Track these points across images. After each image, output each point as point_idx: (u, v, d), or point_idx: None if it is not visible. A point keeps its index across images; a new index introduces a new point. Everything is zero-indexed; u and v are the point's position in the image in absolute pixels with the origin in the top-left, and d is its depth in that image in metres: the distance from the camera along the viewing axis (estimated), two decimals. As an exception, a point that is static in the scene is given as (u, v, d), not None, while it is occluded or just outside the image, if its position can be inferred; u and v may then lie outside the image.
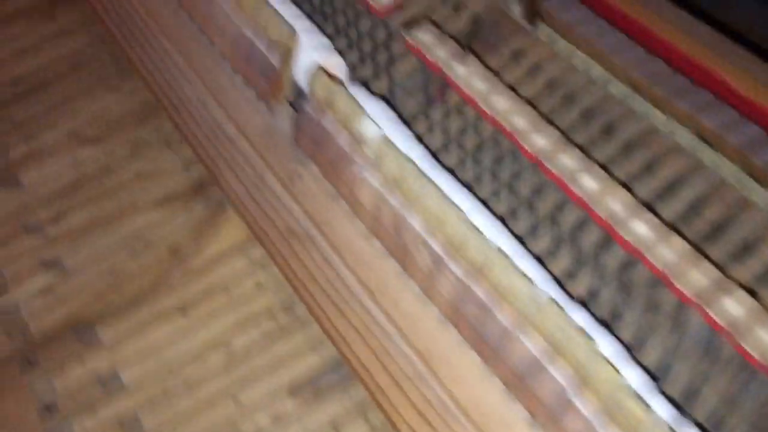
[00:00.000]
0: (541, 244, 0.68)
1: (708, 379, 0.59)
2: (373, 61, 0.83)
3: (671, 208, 0.67)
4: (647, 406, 0.54)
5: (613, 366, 0.53)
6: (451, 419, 0.68)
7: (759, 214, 0.64)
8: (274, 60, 0.81)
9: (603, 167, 0.66)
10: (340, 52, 0.79)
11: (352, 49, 0.85)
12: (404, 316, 0.70)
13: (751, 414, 0.57)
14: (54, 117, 1.13)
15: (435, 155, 0.72)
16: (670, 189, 0.68)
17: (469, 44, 0.80)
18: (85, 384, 0.87)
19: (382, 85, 0.82)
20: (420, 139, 0.72)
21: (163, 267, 0.96)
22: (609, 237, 0.63)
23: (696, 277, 0.56)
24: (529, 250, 0.64)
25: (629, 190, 0.64)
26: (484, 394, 0.64)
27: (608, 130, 0.74)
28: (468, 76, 0.72)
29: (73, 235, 1.00)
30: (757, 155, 0.66)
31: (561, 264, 0.66)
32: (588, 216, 0.65)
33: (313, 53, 0.77)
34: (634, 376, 0.55)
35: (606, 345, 0.56)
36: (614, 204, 0.62)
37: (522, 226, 0.69)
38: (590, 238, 0.67)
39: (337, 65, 0.78)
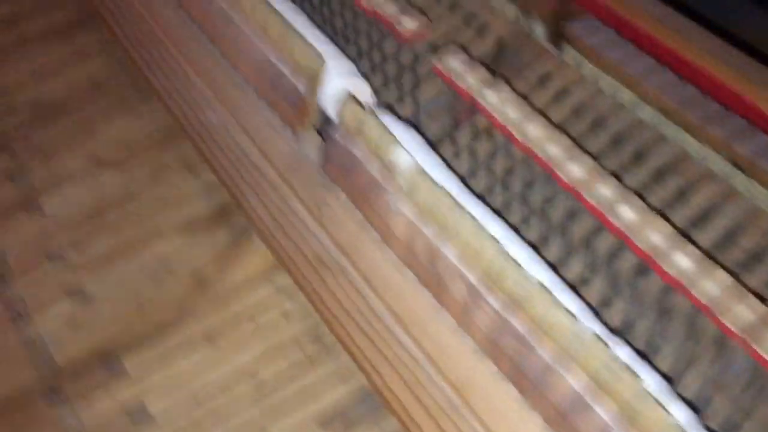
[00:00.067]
0: (574, 270, 0.67)
1: (750, 413, 0.58)
2: (397, 84, 0.83)
3: (706, 236, 0.66)
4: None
5: (661, 404, 0.52)
6: (487, 452, 0.67)
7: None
8: (300, 86, 0.80)
9: (637, 194, 0.66)
10: (364, 76, 0.78)
11: (375, 73, 0.84)
12: (438, 348, 0.70)
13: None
14: (74, 140, 1.12)
15: (465, 182, 0.71)
16: (704, 217, 0.68)
17: (497, 69, 0.79)
18: (113, 417, 0.86)
19: (406, 108, 0.81)
20: (449, 165, 0.72)
21: (188, 295, 0.95)
22: (647, 266, 0.63)
23: (742, 312, 0.56)
24: (562, 278, 0.63)
25: (665, 218, 0.63)
26: (522, 429, 0.63)
27: (639, 156, 0.73)
28: (499, 103, 0.72)
29: (96, 263, 0.99)
30: (791, 183, 0.66)
31: (594, 292, 0.66)
32: (624, 244, 0.64)
33: (340, 80, 0.77)
34: (677, 411, 0.54)
35: (649, 380, 0.55)
36: (654, 236, 0.61)
37: (554, 253, 0.69)
38: (625, 265, 0.66)
39: (364, 91, 0.77)
